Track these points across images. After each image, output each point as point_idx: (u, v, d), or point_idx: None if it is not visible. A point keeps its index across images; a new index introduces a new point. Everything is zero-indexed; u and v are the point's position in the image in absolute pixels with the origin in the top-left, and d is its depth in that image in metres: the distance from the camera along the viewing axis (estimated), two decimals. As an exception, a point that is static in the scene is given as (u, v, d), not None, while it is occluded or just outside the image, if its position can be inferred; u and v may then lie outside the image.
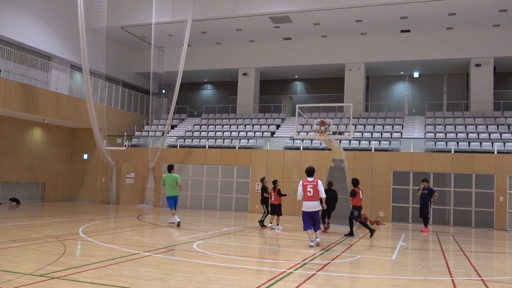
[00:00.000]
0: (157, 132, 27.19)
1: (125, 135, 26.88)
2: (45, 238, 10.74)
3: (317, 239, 11.42)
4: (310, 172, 11.52)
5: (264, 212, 16.07)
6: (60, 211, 19.24)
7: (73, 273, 7.01)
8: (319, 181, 11.36)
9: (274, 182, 15.47)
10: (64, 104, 23.17)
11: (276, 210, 15.23)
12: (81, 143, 26.30)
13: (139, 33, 28.25)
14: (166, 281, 6.76)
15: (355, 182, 14.38)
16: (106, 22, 22.27)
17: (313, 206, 11.21)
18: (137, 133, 27.64)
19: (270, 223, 15.38)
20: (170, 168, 15.26)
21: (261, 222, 15.76)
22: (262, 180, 16.10)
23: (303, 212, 11.30)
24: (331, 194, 15.17)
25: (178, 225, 14.47)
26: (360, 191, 14.13)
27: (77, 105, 23.93)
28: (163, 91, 26.31)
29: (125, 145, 26.12)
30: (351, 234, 13.91)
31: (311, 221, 11.25)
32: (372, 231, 13.92)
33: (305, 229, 11.36)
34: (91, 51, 21.83)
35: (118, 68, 30.17)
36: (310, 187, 11.22)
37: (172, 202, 14.78)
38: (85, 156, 26.22)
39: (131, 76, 32.08)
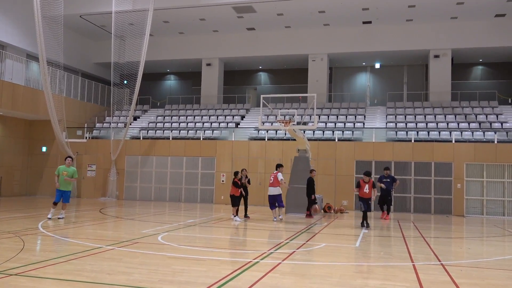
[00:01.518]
0: (119, 124, 26.61)
1: (85, 127, 26.19)
2: (2, 234, 10.34)
3: (280, 217, 15.13)
4: (276, 166, 15.54)
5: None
6: (18, 205, 18.58)
7: (32, 269, 6.78)
8: (279, 173, 15.12)
9: (236, 173, 15.36)
10: (20, 95, 22.29)
11: (234, 201, 14.99)
12: (39, 135, 25.44)
13: (98, 22, 27.45)
14: (130, 274, 6.64)
15: (369, 174, 14.26)
16: (64, 10, 21.48)
17: (273, 190, 15.04)
18: (98, 125, 26.97)
19: (235, 215, 15.13)
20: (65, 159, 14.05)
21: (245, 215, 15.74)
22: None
23: (268, 195, 15.18)
24: (308, 182, 16.69)
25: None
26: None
27: (34, 96, 23.08)
28: (125, 82, 25.75)
29: (86, 137, 25.46)
30: (367, 225, 13.87)
31: (274, 202, 15.00)
32: (366, 224, 13.87)
33: (270, 208, 15.17)
34: (48, 40, 21.03)
35: (77, 58, 29.25)
36: (272, 177, 15.26)
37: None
38: (44, 149, 25.39)
39: (91, 66, 31.20)
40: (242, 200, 15.62)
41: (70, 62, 27.42)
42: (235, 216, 15.02)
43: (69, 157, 14.21)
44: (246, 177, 15.82)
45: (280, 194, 15.10)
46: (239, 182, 15.11)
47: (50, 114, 21.60)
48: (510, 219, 19.08)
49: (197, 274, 6.80)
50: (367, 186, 13.74)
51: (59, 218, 13.62)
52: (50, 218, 13.46)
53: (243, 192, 15.42)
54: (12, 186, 24.55)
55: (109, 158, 23.90)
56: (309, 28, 27.66)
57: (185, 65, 31.73)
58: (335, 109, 26.57)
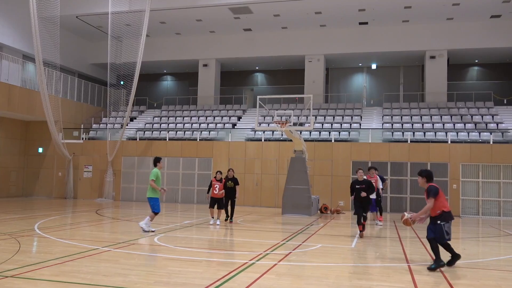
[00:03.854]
0: (115, 125, 26.59)
1: (82, 127, 26.16)
2: (-2, 235, 10.33)
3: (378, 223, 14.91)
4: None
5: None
6: (14, 207, 18.54)
7: (28, 271, 6.78)
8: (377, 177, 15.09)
9: (217, 173, 14.01)
10: (16, 96, 22.24)
11: (220, 204, 13.95)
12: (35, 136, 25.39)
13: (95, 22, 27.42)
14: (127, 276, 6.65)
15: (431, 174, 8.19)
16: (60, 11, 21.50)
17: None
18: (94, 126, 26.95)
19: (214, 217, 13.98)
20: (156, 162, 12.04)
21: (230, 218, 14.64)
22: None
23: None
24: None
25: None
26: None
27: (30, 97, 23.04)
28: (122, 83, 25.74)
29: (82, 138, 25.44)
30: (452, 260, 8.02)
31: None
32: (454, 258, 8.01)
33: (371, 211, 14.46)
34: (45, 40, 21.03)
35: (73, 58, 29.20)
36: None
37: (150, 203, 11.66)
38: (40, 150, 25.35)
39: (87, 67, 31.16)
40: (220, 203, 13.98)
41: (67, 63, 27.39)
42: (218, 219, 13.94)
43: (161, 158, 12.23)
44: (233, 177, 14.39)
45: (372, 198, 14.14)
46: (223, 180, 13.99)
47: (47, 115, 21.58)
48: (506, 219, 19.17)
49: (193, 276, 6.81)
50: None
51: (152, 230, 11.55)
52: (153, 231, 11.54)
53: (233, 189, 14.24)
54: (8, 187, 24.49)
55: (105, 159, 23.88)
56: (305, 29, 27.71)
57: (182, 65, 31.73)
58: (332, 110, 26.61)
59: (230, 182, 14.24)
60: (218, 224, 13.73)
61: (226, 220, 14.62)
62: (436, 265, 7.64)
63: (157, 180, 11.58)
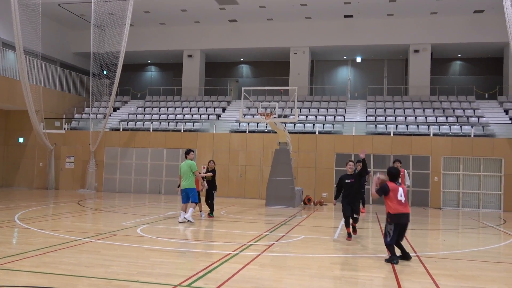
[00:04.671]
0: (98, 115, 26.28)
1: (64, 117, 25.80)
2: (-23, 226, 10.16)
3: None
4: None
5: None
6: (-6, 197, 18.25)
7: (8, 262, 6.68)
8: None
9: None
10: (-4, 85, 21.82)
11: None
12: (16, 126, 24.96)
13: (77, 10, 26.96)
14: (109, 267, 6.60)
15: (392, 173, 7.92)
16: (42, -2, 21.08)
17: None
18: (77, 116, 26.59)
19: (200, 211, 13.57)
20: (186, 154, 12.07)
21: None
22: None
23: None
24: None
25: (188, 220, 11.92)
26: (399, 188, 7.73)
27: (10, 86, 22.61)
28: (105, 72, 25.42)
29: (64, 128, 25.10)
30: (403, 257, 7.79)
31: None
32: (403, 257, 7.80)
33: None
34: (26, 28, 20.61)
35: (55, 47, 28.72)
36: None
37: (184, 195, 11.89)
38: (21, 140, 24.95)
39: (69, 56, 30.67)
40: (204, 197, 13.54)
41: (48, 52, 26.93)
42: (200, 211, 13.48)
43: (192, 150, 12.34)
44: (213, 169, 13.58)
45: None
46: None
47: (28, 105, 21.21)
48: (485, 211, 19.54)
49: (176, 266, 6.80)
50: (401, 191, 7.73)
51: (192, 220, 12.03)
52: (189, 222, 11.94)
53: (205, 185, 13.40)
54: (-12, 178, 24.10)
55: (88, 149, 23.61)
56: (291, 21, 27.67)
57: (166, 56, 31.45)
58: (316, 102, 26.70)
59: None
60: (203, 217, 13.46)
61: (209, 214, 13.66)
62: (390, 260, 7.58)
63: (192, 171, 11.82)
